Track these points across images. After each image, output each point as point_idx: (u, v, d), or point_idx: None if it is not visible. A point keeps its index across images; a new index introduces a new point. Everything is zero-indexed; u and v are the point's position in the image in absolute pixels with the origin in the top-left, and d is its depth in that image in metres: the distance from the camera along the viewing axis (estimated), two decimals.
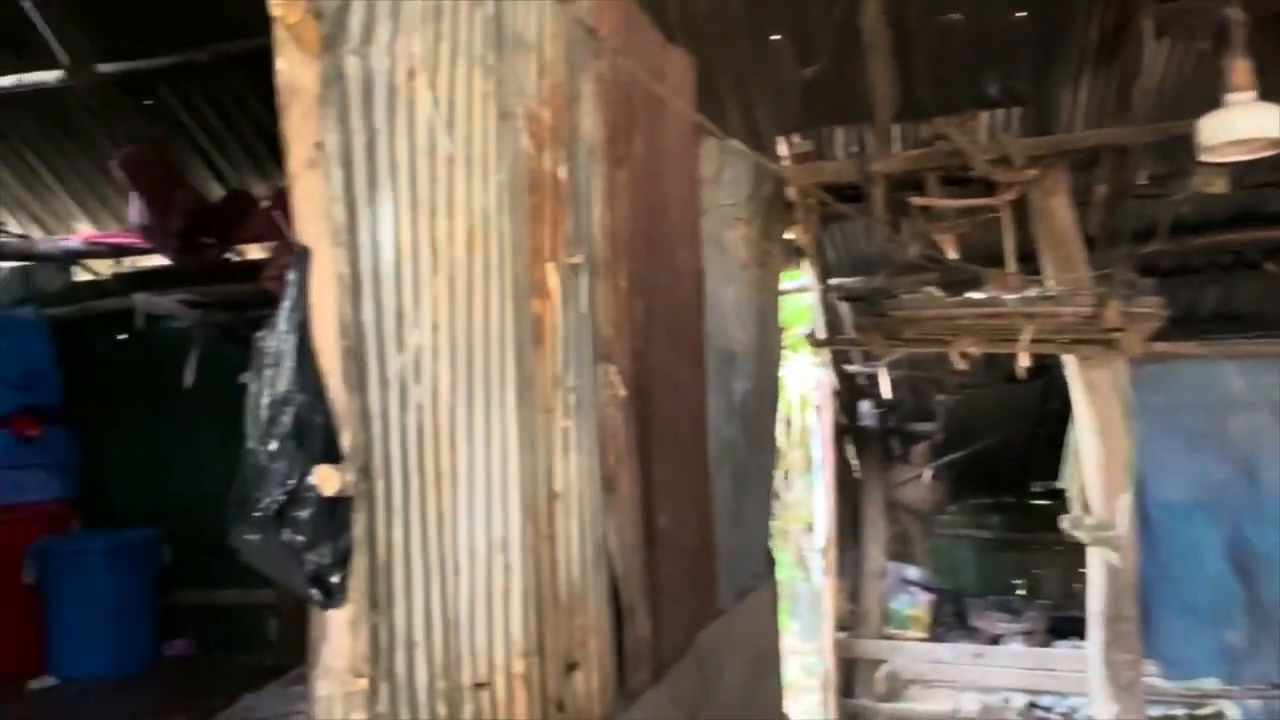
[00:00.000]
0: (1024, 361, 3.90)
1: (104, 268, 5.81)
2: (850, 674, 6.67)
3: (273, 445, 1.70)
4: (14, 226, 5.88)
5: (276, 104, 1.91)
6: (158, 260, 5.59)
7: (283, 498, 1.66)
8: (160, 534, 5.21)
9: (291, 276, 1.81)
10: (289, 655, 5.05)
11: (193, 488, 5.48)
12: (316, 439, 1.70)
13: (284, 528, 1.68)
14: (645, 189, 3.10)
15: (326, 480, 1.68)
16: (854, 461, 6.90)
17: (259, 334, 1.81)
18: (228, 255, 5.39)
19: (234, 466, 5.68)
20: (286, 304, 1.78)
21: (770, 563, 4.41)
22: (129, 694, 4.65)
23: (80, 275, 5.90)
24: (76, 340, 5.60)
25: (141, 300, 4.81)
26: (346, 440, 1.77)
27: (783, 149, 4.61)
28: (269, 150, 5.28)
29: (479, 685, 1.99)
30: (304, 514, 1.68)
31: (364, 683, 1.74)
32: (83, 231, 5.82)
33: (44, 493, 5.28)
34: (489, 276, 2.14)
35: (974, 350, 4.04)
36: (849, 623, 6.72)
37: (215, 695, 4.41)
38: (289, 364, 1.74)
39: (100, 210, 5.79)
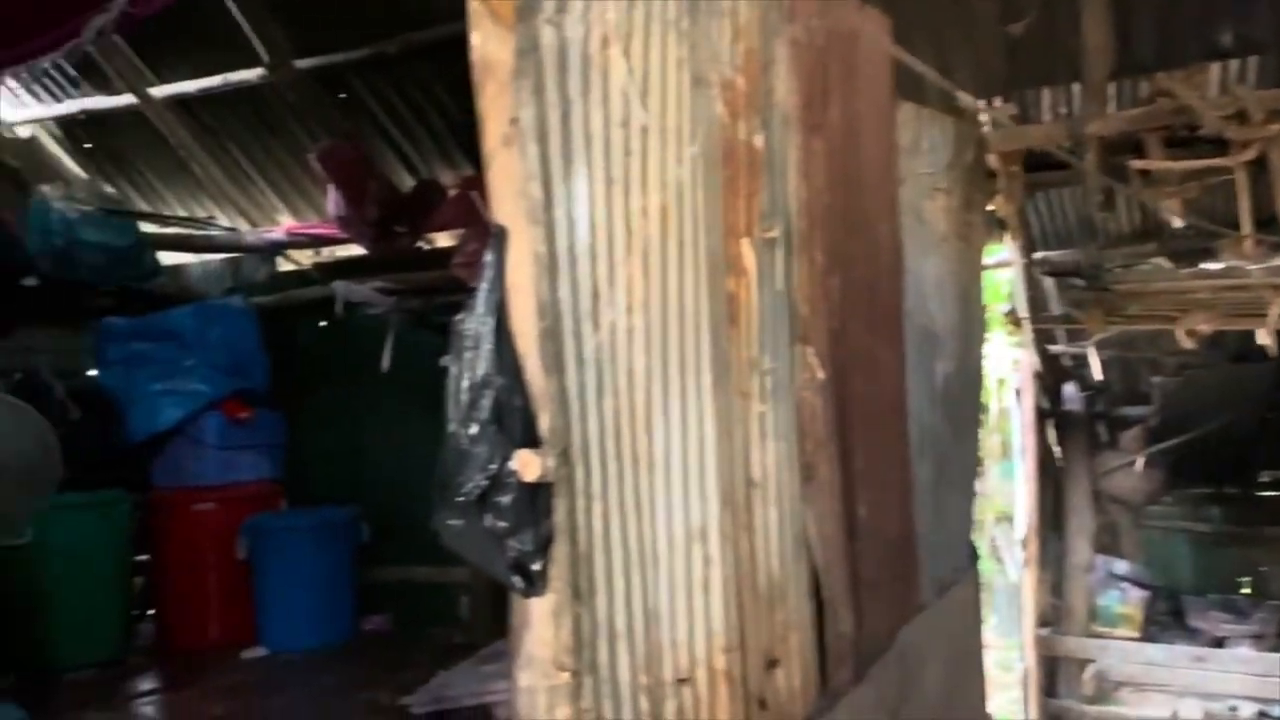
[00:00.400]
0: (1267, 339, 3.49)
1: (304, 258, 6.07)
2: (1053, 672, 6.27)
3: (473, 429, 1.66)
4: (223, 220, 6.23)
5: (463, 92, 1.86)
6: (354, 250, 5.81)
7: (485, 483, 1.60)
8: (359, 512, 5.41)
9: (488, 258, 1.76)
10: (479, 632, 5.17)
11: (388, 468, 5.67)
12: (516, 423, 1.65)
13: (485, 513, 1.63)
14: (841, 158, 2.93)
15: (527, 465, 1.62)
16: (1056, 448, 6.47)
17: (458, 317, 1.76)
18: (419, 243, 5.54)
19: (427, 448, 5.76)
20: (484, 286, 1.73)
21: (973, 555, 4.16)
22: (332, 666, 4.84)
23: (283, 265, 6.20)
24: (280, 327, 5.88)
25: (340, 288, 4.99)
26: (544, 424, 1.70)
27: (983, 114, 4.32)
28: (456, 139, 5.38)
29: (681, 681, 1.91)
30: (505, 499, 1.62)
31: (566, 675, 1.67)
32: (284, 223, 6.10)
33: (254, 473, 5.55)
34: (683, 253, 2.04)
35: (1205, 327, 3.65)
36: (1051, 619, 6.31)
37: (411, 669, 4.53)
38: (487, 346, 1.69)
39: (300, 202, 6.05)
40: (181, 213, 6.26)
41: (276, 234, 5.94)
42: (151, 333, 5.38)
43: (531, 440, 1.68)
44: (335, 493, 5.77)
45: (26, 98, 6.02)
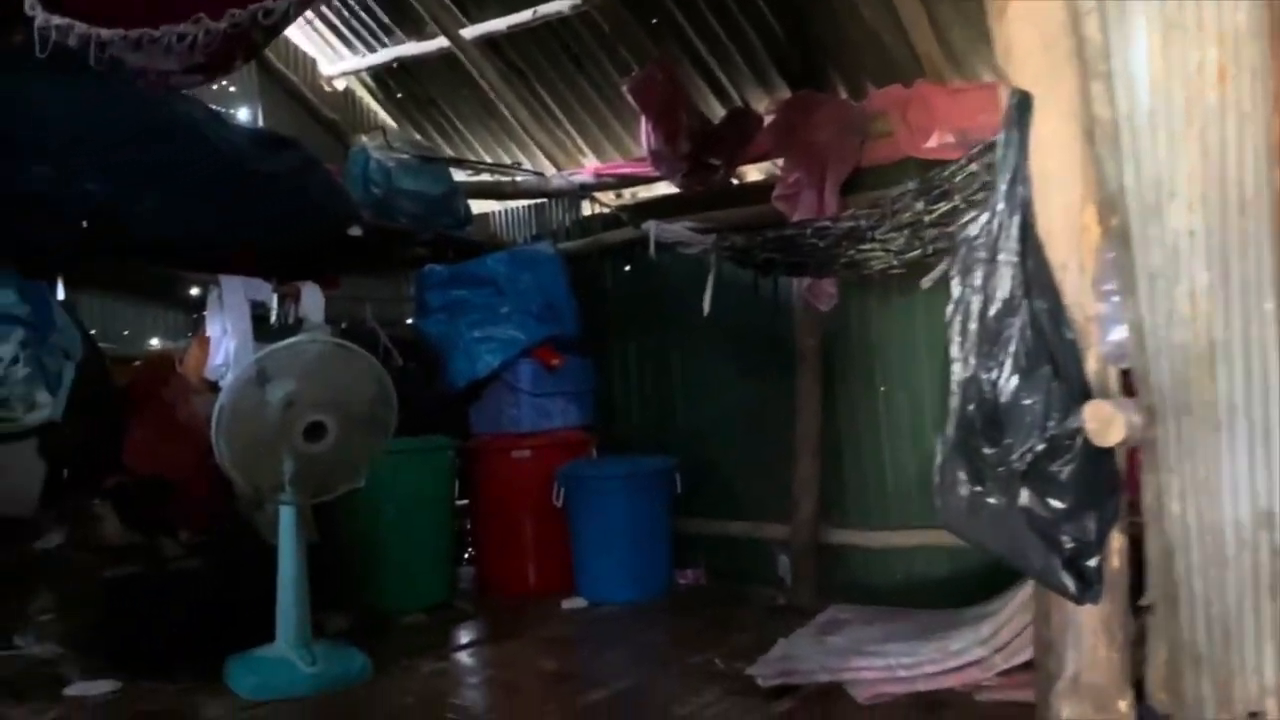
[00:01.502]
0: None
1: (608, 200, 5.86)
2: None
3: (1000, 372, 1.20)
4: (527, 164, 6.11)
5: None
6: (659, 190, 5.54)
7: (1040, 447, 1.15)
8: (674, 462, 5.16)
9: (1003, 137, 1.29)
10: (802, 595, 4.80)
11: (698, 417, 5.40)
12: (1070, 363, 1.18)
13: (1027, 488, 1.18)
14: None
15: (1107, 424, 1.15)
16: None
17: (962, 220, 1.31)
18: (732, 178, 5.16)
19: (741, 396, 5.39)
20: (1005, 175, 1.26)
21: None
22: (654, 622, 4.63)
23: (587, 210, 6.03)
24: (586, 272, 5.72)
25: (652, 228, 4.68)
26: (1092, 363, 1.23)
27: None
28: (773, 58, 4.92)
29: (1252, 715, 1.39)
30: (1064, 471, 1.16)
31: (1124, 707, 1.20)
32: (589, 164, 5.89)
33: (565, 420, 5.44)
34: (1242, 131, 1.48)
35: None
36: None
37: (737, 632, 4.23)
38: (1010, 257, 1.23)
39: (605, 142, 5.82)
40: (488, 159, 6.21)
41: (583, 176, 5.75)
42: (469, 279, 5.34)
43: (1083, 387, 1.20)
44: (644, 441, 5.58)
45: (343, 50, 6.13)
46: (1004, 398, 1.20)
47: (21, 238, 4.02)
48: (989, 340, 1.24)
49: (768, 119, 4.90)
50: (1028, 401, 1.18)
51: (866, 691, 3.32)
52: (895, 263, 3.59)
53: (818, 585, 4.76)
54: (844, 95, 4.78)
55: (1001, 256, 1.25)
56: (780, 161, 4.83)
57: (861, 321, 4.70)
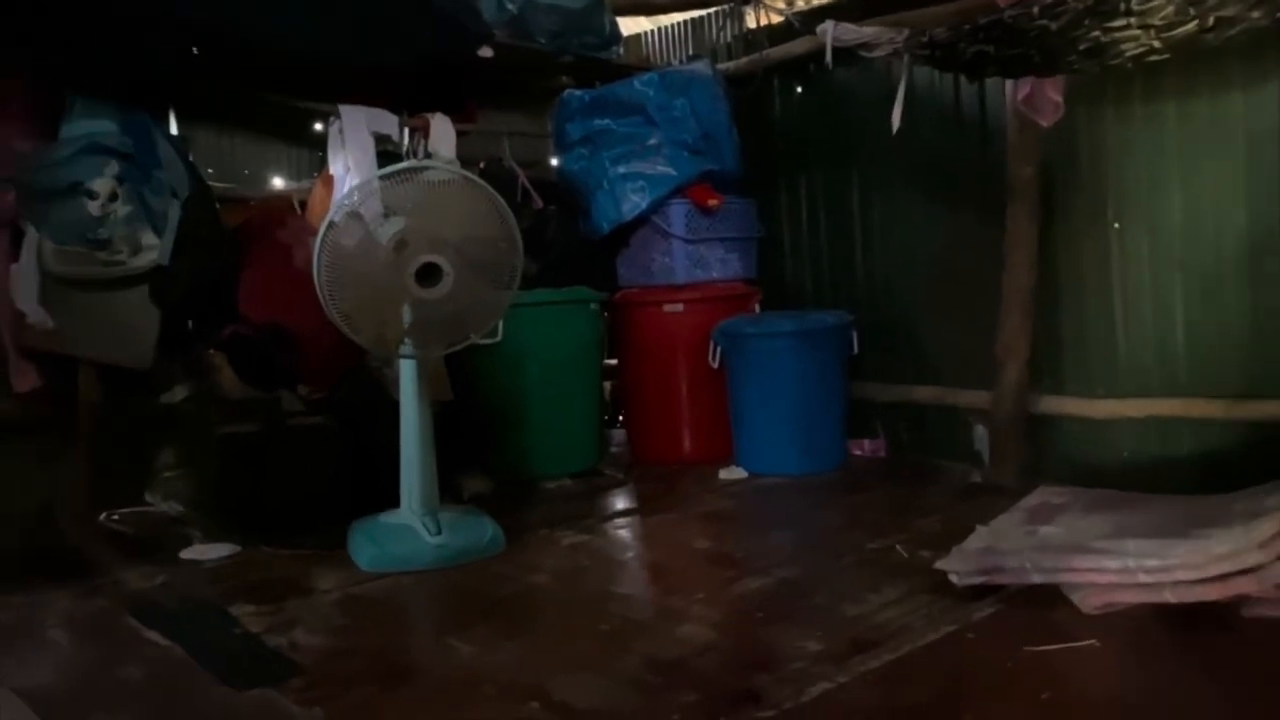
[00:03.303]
0: None
1: (777, 4, 5.00)
2: None
3: None
4: None
5: None
6: None
7: None
8: (850, 319, 4.46)
9: None
10: (1003, 472, 4.08)
11: (883, 266, 4.66)
12: None
13: None
14: None
15: None
16: None
17: None
18: None
19: (936, 239, 4.44)
20: None
21: None
22: (823, 500, 4.03)
23: (752, 22, 5.20)
24: (751, 97, 4.96)
25: (830, 29, 3.85)
26: None
27: None
28: None
29: None
30: None
31: None
32: None
33: (724, 271, 4.81)
34: None
35: None
36: None
37: (922, 515, 3.59)
38: None
39: None
40: None
41: None
42: (613, 106, 4.68)
43: None
44: (817, 295, 4.91)
45: None
46: None
47: (121, 54, 3.62)
48: None
49: None
50: None
51: (1095, 598, 2.60)
52: (1156, 44, 2.68)
53: (1023, 462, 4.03)
54: None
55: None
56: None
57: (1093, 141, 3.78)
